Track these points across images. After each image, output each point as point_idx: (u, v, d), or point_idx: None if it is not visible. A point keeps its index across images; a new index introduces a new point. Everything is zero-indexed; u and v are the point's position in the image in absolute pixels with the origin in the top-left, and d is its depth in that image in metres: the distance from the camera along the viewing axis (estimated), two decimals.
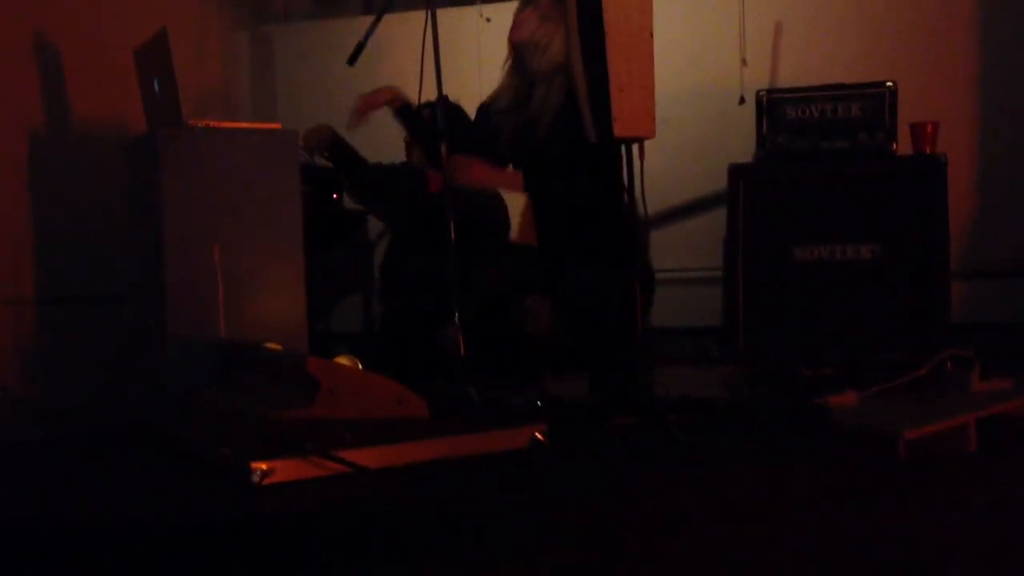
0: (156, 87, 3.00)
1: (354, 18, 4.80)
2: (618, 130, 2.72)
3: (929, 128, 3.56)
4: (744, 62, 4.04)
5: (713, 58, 4.18)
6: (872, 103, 3.59)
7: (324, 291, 4.09)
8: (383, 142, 4.11)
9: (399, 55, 4.28)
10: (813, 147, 3.63)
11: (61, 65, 3.41)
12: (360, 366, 2.70)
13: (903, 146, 3.61)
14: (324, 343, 3.90)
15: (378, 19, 3.39)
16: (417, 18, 3.38)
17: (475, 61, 4.35)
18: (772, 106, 3.68)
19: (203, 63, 4.32)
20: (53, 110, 3.41)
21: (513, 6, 3.57)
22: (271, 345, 3.00)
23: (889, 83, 3.59)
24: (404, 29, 3.93)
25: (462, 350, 3.24)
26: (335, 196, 4.21)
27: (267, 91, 4.73)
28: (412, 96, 3.90)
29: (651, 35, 2.75)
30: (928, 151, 3.56)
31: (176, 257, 2.94)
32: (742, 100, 4.00)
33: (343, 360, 2.69)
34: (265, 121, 4.61)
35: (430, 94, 3.42)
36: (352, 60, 3.36)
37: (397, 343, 3.92)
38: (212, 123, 3.00)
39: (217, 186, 2.96)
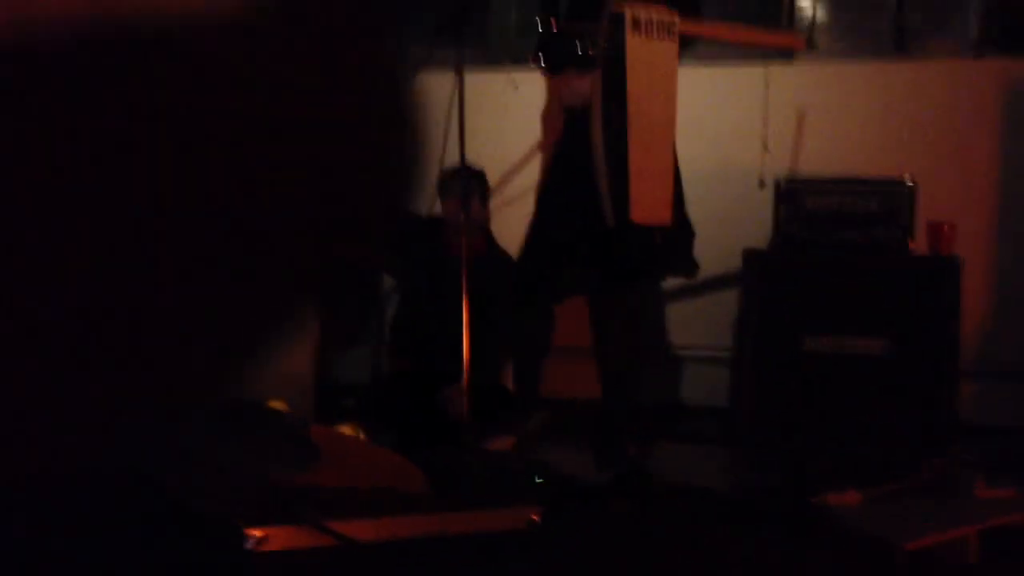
0: None
1: None
2: (635, 214, 2.75)
3: (946, 228, 3.58)
4: (766, 147, 4.07)
5: (735, 140, 4.22)
6: (891, 198, 3.61)
7: (333, 343, 4.11)
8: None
9: (425, 115, 4.33)
10: (829, 238, 3.65)
11: None
12: (362, 435, 2.71)
13: (920, 242, 3.63)
14: (331, 396, 3.90)
15: None
16: (445, 79, 3.44)
17: (499, 126, 4.39)
18: (791, 194, 3.70)
19: None
20: None
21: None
22: (276, 404, 3.01)
23: (909, 180, 3.61)
24: (431, 89, 3.97)
25: (465, 413, 3.25)
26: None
27: None
28: (436, 157, 3.95)
29: (673, 124, 2.79)
30: (944, 251, 3.57)
31: None
32: (762, 184, 4.03)
33: (345, 428, 2.69)
34: None
35: (453, 156, 3.48)
36: None
37: (402, 400, 3.93)
38: None
39: None
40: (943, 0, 4.38)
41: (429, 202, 4.11)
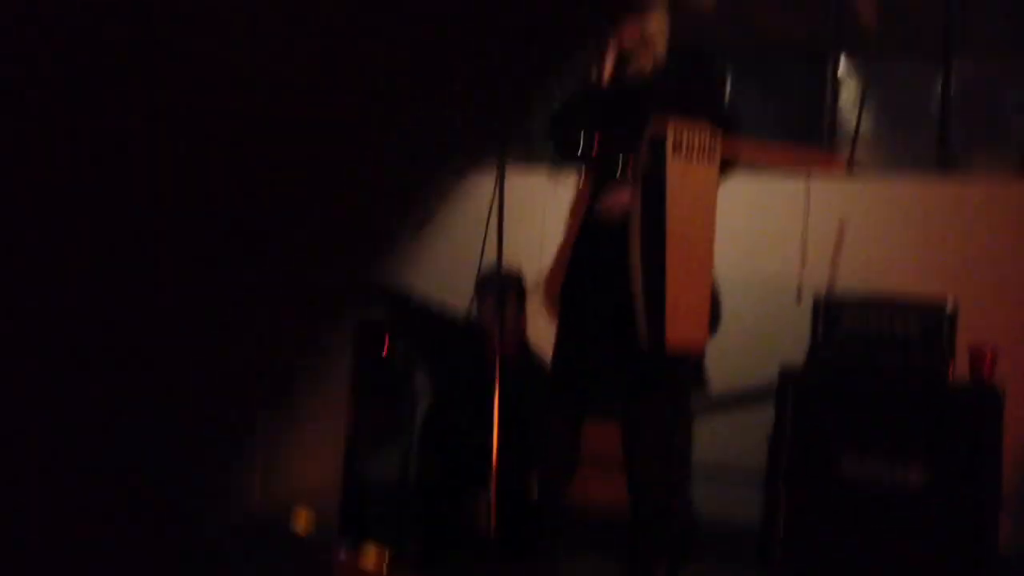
0: None
1: None
2: (670, 336, 2.72)
3: (988, 355, 3.50)
4: (804, 259, 4.03)
5: (773, 250, 4.19)
6: (932, 321, 3.54)
7: (364, 443, 4.09)
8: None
9: (462, 212, 4.34)
10: (868, 360, 3.58)
11: None
12: (387, 556, 2.68)
13: (960, 366, 3.55)
14: (360, 497, 3.87)
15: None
16: (487, 178, 3.42)
17: (539, 227, 4.39)
18: (829, 312, 3.65)
19: None
20: None
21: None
22: (302, 513, 2.99)
23: (950, 303, 3.55)
24: (469, 186, 3.99)
25: (492, 526, 3.20)
26: (385, 347, 4.23)
27: None
28: (475, 255, 3.96)
29: (712, 245, 2.77)
30: (986, 378, 3.49)
31: None
32: (799, 297, 3.98)
33: (370, 550, 2.66)
34: None
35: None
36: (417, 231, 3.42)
37: (430, 506, 3.90)
38: None
39: None
40: (988, 117, 4.36)
41: (467, 303, 4.12)
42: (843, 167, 3.28)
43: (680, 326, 2.77)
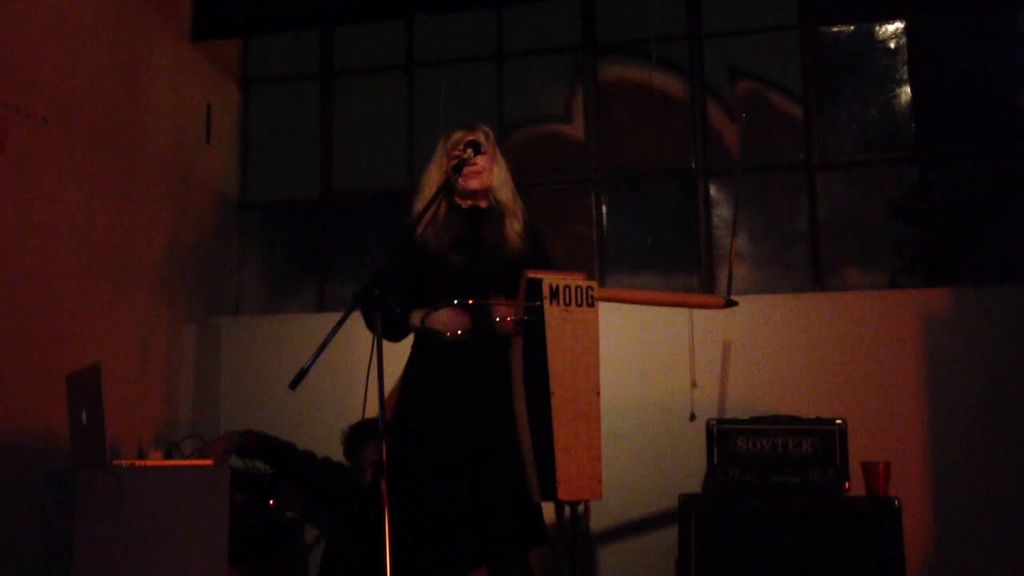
0: (84, 418, 2.87)
1: (306, 314, 4.77)
2: (562, 492, 2.62)
3: (881, 468, 3.51)
4: (694, 383, 4.02)
5: (663, 374, 4.17)
6: (823, 440, 3.55)
7: None
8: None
9: (343, 359, 4.15)
10: (764, 481, 3.56)
11: None
12: None
13: (856, 484, 3.54)
14: None
15: (323, 346, 3.32)
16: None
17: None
18: (723, 436, 3.63)
19: (146, 361, 4.22)
20: None
21: None
22: None
23: (839, 420, 3.56)
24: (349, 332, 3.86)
25: None
26: (271, 502, 4.03)
27: (211, 385, 4.62)
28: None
29: (598, 394, 2.69)
30: (881, 492, 3.49)
31: None
32: (692, 417, 3.97)
33: None
34: (206, 416, 4.51)
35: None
36: (294, 385, 3.27)
37: None
38: (138, 462, 2.87)
39: (137, 527, 2.78)
40: (858, 233, 4.48)
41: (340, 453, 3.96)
42: (722, 304, 3.32)
43: (572, 478, 2.64)
